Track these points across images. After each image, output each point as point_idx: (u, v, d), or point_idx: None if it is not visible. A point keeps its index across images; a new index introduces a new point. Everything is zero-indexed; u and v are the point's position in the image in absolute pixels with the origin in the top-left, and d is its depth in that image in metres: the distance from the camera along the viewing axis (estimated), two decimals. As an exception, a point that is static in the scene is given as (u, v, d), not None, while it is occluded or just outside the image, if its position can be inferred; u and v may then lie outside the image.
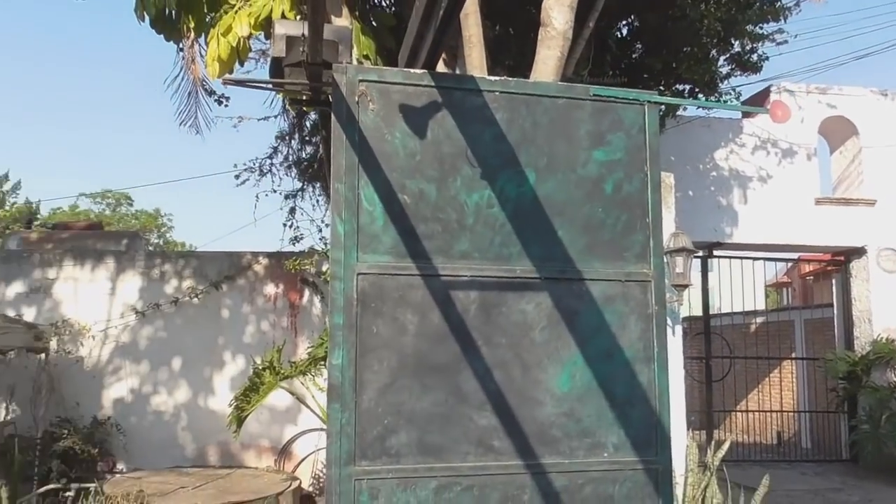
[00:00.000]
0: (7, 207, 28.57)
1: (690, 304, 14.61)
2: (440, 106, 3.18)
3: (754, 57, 9.41)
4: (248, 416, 7.06)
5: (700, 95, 9.22)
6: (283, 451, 8.93)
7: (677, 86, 9.17)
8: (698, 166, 11.30)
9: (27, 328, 8.09)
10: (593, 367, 3.26)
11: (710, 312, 13.03)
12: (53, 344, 8.56)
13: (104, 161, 58.59)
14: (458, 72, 5.89)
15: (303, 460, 8.88)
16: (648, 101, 3.45)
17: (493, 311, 3.23)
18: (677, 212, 7.95)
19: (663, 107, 8.32)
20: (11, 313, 8.68)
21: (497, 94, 3.24)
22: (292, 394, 7.62)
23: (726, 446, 5.69)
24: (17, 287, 9.06)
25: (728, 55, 9.41)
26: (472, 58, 5.44)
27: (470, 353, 3.20)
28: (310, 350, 7.80)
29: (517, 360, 3.22)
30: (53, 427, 8.32)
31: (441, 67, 6.15)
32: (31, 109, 59.50)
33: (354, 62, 4.97)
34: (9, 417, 8.58)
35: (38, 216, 27.10)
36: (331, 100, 3.26)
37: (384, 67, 3.22)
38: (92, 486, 7.42)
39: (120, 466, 8.57)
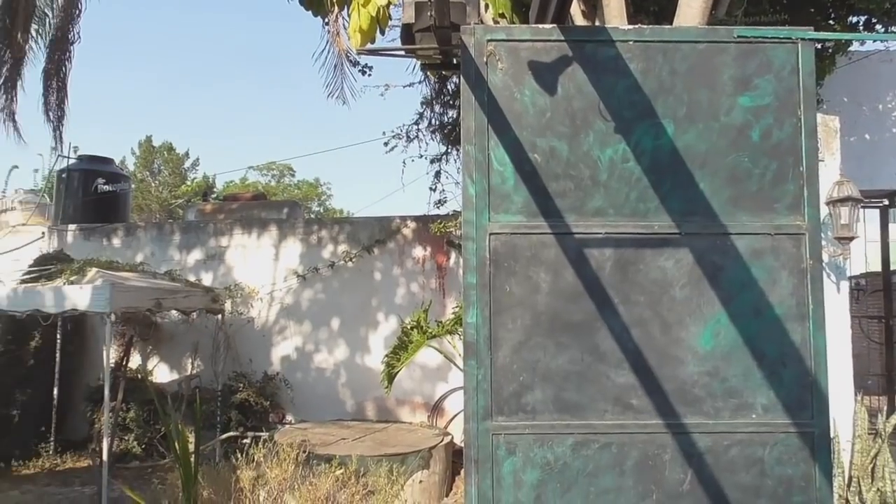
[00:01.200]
0: (188, 182, 31.46)
1: (868, 259, 13.35)
2: (570, 60, 3.11)
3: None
4: (397, 373, 7.39)
5: (878, 27, 8.25)
6: (435, 408, 9.28)
7: (851, 17, 8.26)
8: (877, 106, 10.17)
9: (205, 291, 8.93)
10: (739, 325, 3.10)
11: (892, 268, 11.82)
12: (228, 306, 9.39)
13: (270, 135, 62.56)
14: (597, 23, 5.68)
15: (454, 417, 9.18)
16: (802, 39, 3.16)
17: (630, 269, 3.15)
18: (850, 157, 7.24)
19: (823, 44, 7.55)
20: (192, 278, 9.61)
21: (631, 43, 3.11)
22: (441, 352, 7.88)
23: (903, 413, 5.22)
24: (196, 254, 10.00)
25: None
26: (611, 7, 5.22)
27: (606, 312, 3.15)
28: (456, 310, 7.99)
29: (656, 318, 3.13)
30: (231, 381, 9.18)
31: (579, 20, 5.97)
32: (204, 90, 64.59)
33: (490, 22, 4.94)
34: (194, 371, 9.57)
35: (215, 189, 29.56)
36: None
37: (512, 25, 3.19)
38: (265, 435, 8.15)
39: (289, 418, 9.30)
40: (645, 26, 3.20)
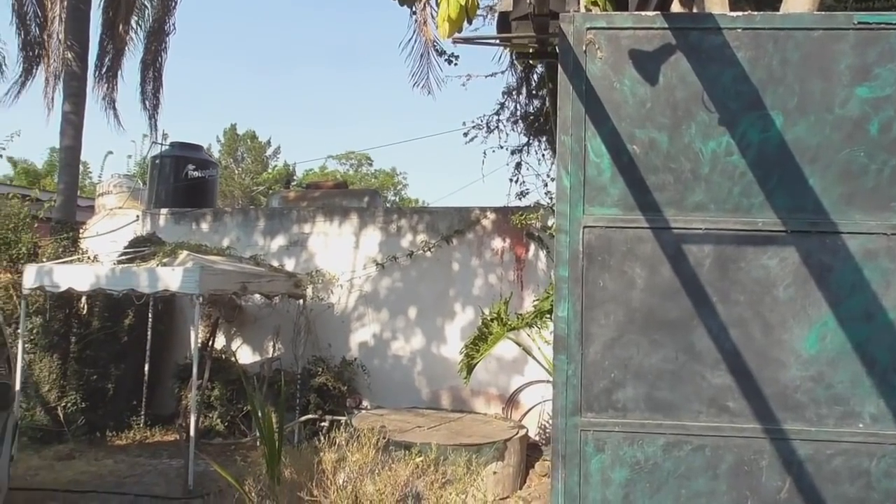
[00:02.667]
0: (270, 170, 32.37)
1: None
2: (674, 49, 3.01)
3: None
4: (476, 363, 7.39)
5: None
6: (511, 400, 9.25)
7: None
8: None
9: (288, 277, 9.15)
10: (848, 329, 2.94)
11: None
12: (309, 291, 9.61)
13: (348, 124, 63.62)
14: (695, 10, 5.48)
15: (529, 410, 9.14)
16: (928, 25, 2.96)
17: (731, 267, 3.03)
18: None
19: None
20: (275, 263, 9.87)
21: (739, 31, 2.98)
22: (519, 345, 7.83)
23: None
24: (279, 240, 10.26)
25: None
26: (711, -6, 5.02)
27: (704, 310, 3.05)
28: (535, 303, 7.93)
29: (757, 319, 3.01)
30: (310, 365, 9.40)
31: (676, 8, 5.78)
32: (283, 79, 66.20)
33: (582, 10, 4.85)
34: (275, 354, 9.84)
35: (295, 177, 30.31)
36: (557, 51, 3.22)
37: (613, 13, 3.10)
38: (342, 419, 8.32)
39: (365, 403, 9.46)
40: (755, 13, 3.06)
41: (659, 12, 3.08)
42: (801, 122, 2.97)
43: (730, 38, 2.97)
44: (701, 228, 3.04)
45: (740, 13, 3.08)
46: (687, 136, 3.04)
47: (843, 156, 2.95)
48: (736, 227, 3.01)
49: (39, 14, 10.63)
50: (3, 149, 10.04)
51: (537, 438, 8.94)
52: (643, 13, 3.11)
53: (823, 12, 2.92)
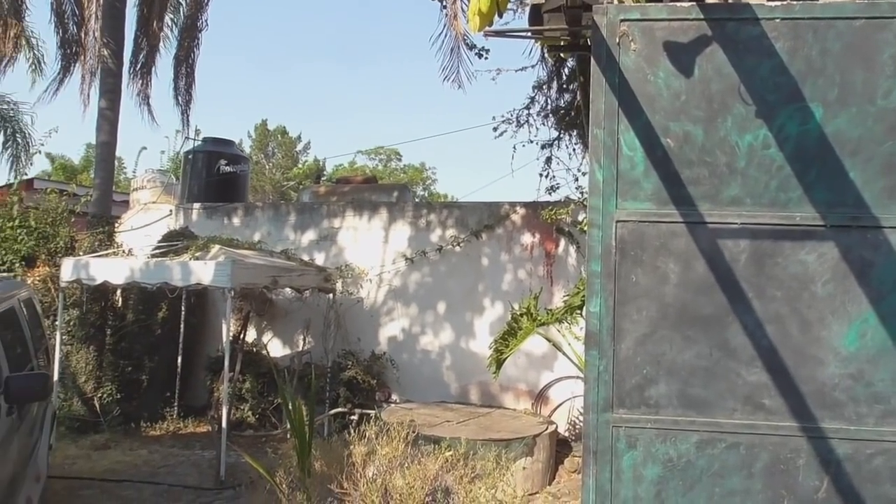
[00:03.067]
0: (300, 165, 32.62)
1: None
2: (710, 40, 2.96)
3: None
4: (506, 358, 7.37)
5: None
6: (540, 396, 9.21)
7: None
8: None
9: (318, 271, 9.21)
10: (890, 326, 2.87)
11: None
12: (339, 285, 9.66)
13: (377, 120, 63.83)
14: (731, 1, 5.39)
15: (559, 406, 9.09)
16: (975, 14, 2.87)
17: (767, 262, 2.97)
18: None
19: None
20: (305, 257, 9.94)
21: (778, 21, 2.92)
22: (549, 340, 7.79)
23: None
24: (309, 235, 10.33)
25: None
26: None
27: (739, 306, 3.00)
28: (566, 298, 7.88)
29: (794, 315, 2.95)
30: (340, 358, 9.45)
31: None
32: (314, 75, 66.66)
33: (616, 1, 4.80)
34: (305, 348, 9.91)
35: (324, 172, 30.52)
36: (590, 43, 3.19)
37: (648, 4, 3.05)
38: (372, 412, 8.36)
39: (394, 397, 9.50)
40: (794, 2, 2.99)
41: (694, 3, 3.03)
42: (841, 113, 2.90)
43: (768, 29, 2.91)
44: (736, 223, 2.99)
45: (778, 2, 3.01)
46: (723, 129, 2.98)
47: (885, 148, 2.88)
48: (773, 222, 2.96)
49: (77, 12, 10.82)
50: (42, 144, 10.26)
51: (566, 434, 8.90)
52: (678, 4, 3.06)
53: (866, 0, 2.84)
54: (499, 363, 7.25)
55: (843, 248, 2.91)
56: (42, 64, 11.82)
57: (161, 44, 11.43)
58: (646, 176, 3.05)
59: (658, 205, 3.05)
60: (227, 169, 11.48)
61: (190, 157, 11.72)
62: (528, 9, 3.61)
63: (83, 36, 10.86)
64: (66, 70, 11.11)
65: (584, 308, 3.16)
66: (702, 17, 2.96)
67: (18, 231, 9.24)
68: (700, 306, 3.02)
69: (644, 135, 3.05)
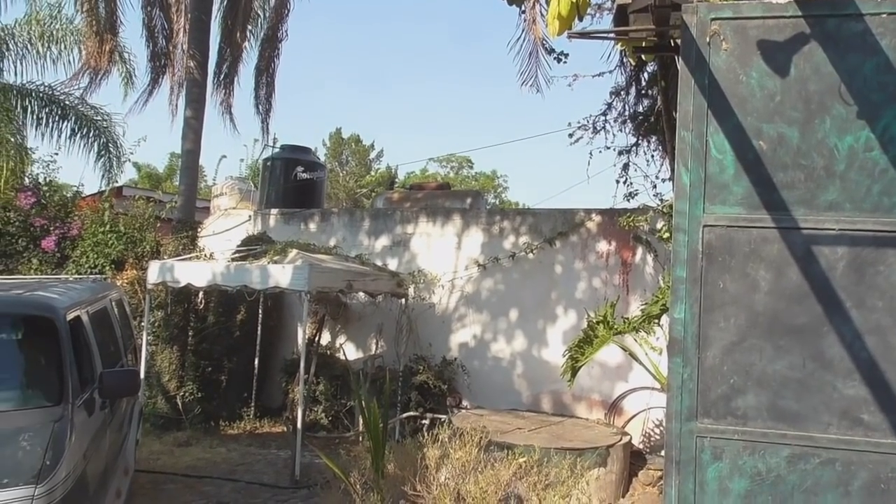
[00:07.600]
0: (372, 173, 33.14)
1: None
2: (808, 38, 2.84)
3: None
4: (581, 366, 7.26)
5: None
6: (614, 406, 9.03)
7: None
8: None
9: (391, 276, 9.31)
10: None
11: None
12: (411, 291, 9.73)
13: (450, 128, 64.22)
14: None
15: (633, 417, 8.88)
16: None
17: (868, 270, 2.83)
18: None
19: None
20: (379, 263, 10.07)
21: (884, 16, 2.78)
22: (624, 349, 7.63)
23: None
24: (383, 240, 10.46)
25: None
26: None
27: (836, 316, 2.86)
28: (643, 307, 7.70)
29: (897, 327, 2.80)
30: (411, 363, 9.51)
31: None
32: (385, 85, 67.61)
33: None
34: (377, 351, 10.03)
35: (397, 179, 30.87)
36: (677, 44, 3.12)
37: (740, 2, 2.96)
38: (443, 417, 8.37)
39: (465, 403, 9.48)
40: (899, -2, 2.85)
41: None
42: (951, 113, 2.74)
43: (872, 25, 2.78)
44: (834, 229, 2.86)
45: (882, -2, 2.87)
46: (820, 130, 2.86)
47: None
48: (875, 228, 2.81)
49: (166, 26, 11.32)
50: (132, 153, 10.75)
51: (641, 446, 8.68)
52: (773, 1, 2.96)
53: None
54: (574, 371, 7.15)
55: (953, 256, 2.74)
56: (133, 77, 12.43)
57: (243, 54, 11.84)
58: (736, 179, 2.96)
59: (748, 209, 2.95)
60: (304, 176, 11.74)
61: (268, 164, 12.05)
62: (606, 13, 3.56)
63: (171, 49, 11.36)
64: (154, 82, 11.63)
65: (668, 314, 3.08)
66: (799, 14, 2.85)
67: (109, 236, 9.71)
68: (793, 315, 2.90)
69: (734, 137, 2.95)
